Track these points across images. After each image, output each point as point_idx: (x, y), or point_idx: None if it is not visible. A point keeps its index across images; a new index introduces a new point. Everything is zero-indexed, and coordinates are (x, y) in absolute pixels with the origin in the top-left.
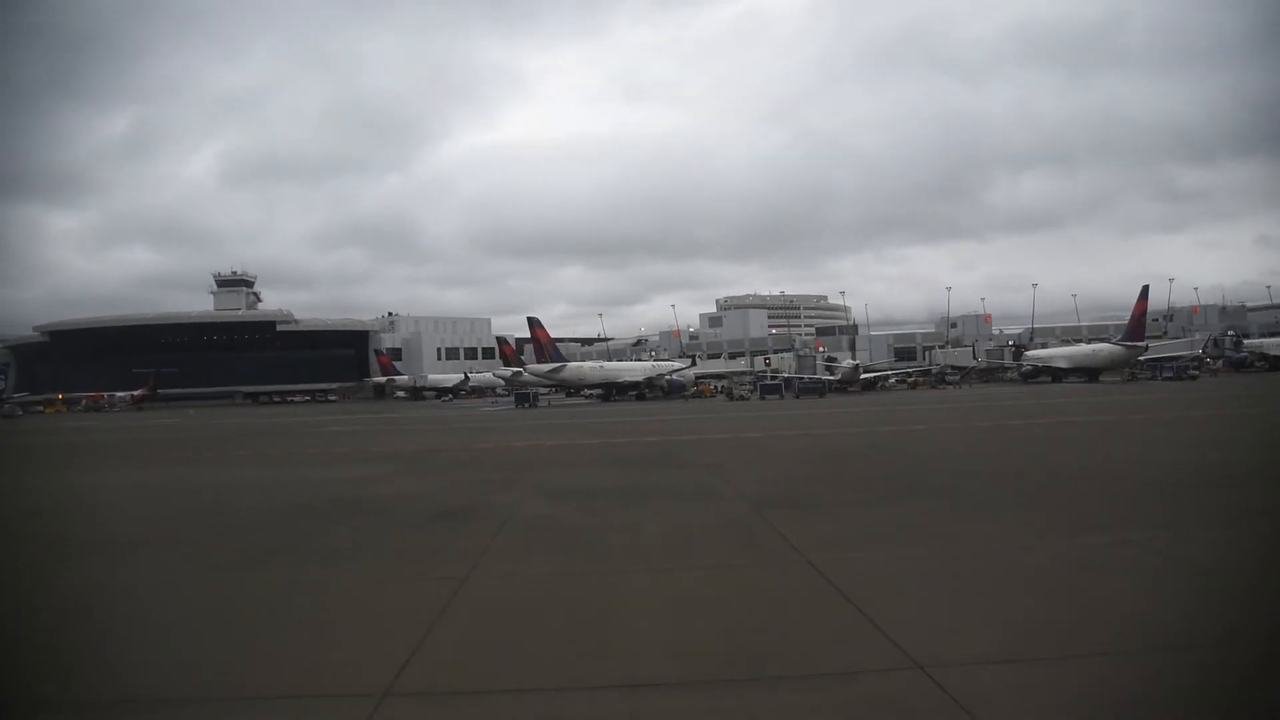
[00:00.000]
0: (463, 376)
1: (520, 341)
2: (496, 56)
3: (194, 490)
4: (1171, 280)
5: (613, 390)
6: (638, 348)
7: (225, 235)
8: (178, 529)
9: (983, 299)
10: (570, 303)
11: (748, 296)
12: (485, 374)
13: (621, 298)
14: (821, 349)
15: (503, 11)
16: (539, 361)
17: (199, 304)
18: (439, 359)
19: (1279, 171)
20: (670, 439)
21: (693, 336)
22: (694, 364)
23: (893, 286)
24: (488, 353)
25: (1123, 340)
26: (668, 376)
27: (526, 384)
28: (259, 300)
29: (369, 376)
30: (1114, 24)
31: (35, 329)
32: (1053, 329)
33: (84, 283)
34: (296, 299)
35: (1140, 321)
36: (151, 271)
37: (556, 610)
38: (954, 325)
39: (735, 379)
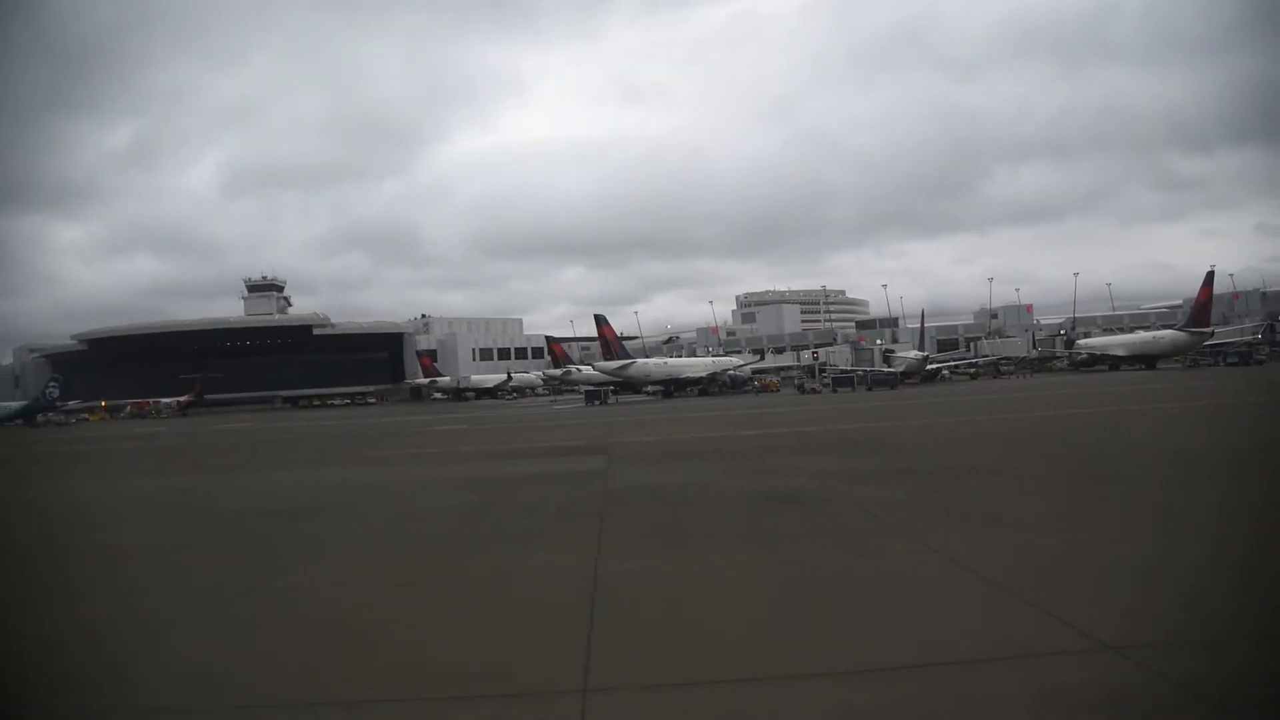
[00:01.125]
0: (505, 377)
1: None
2: (494, 60)
3: (427, 485)
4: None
5: (673, 387)
6: (669, 345)
7: (228, 243)
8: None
9: (1016, 289)
10: (572, 303)
11: (767, 293)
12: (525, 374)
13: (621, 297)
14: (863, 340)
15: (499, 16)
16: (606, 359)
17: (203, 311)
18: (473, 360)
19: (1275, 160)
20: (827, 428)
21: (730, 333)
22: (763, 358)
23: (894, 280)
24: (520, 353)
25: (1187, 326)
26: (730, 372)
27: (589, 381)
28: (289, 305)
29: (404, 378)
30: (1105, 15)
31: (73, 337)
32: (1094, 318)
33: (88, 292)
34: (299, 304)
35: (1205, 308)
36: (155, 280)
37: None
38: (994, 316)
39: (804, 372)
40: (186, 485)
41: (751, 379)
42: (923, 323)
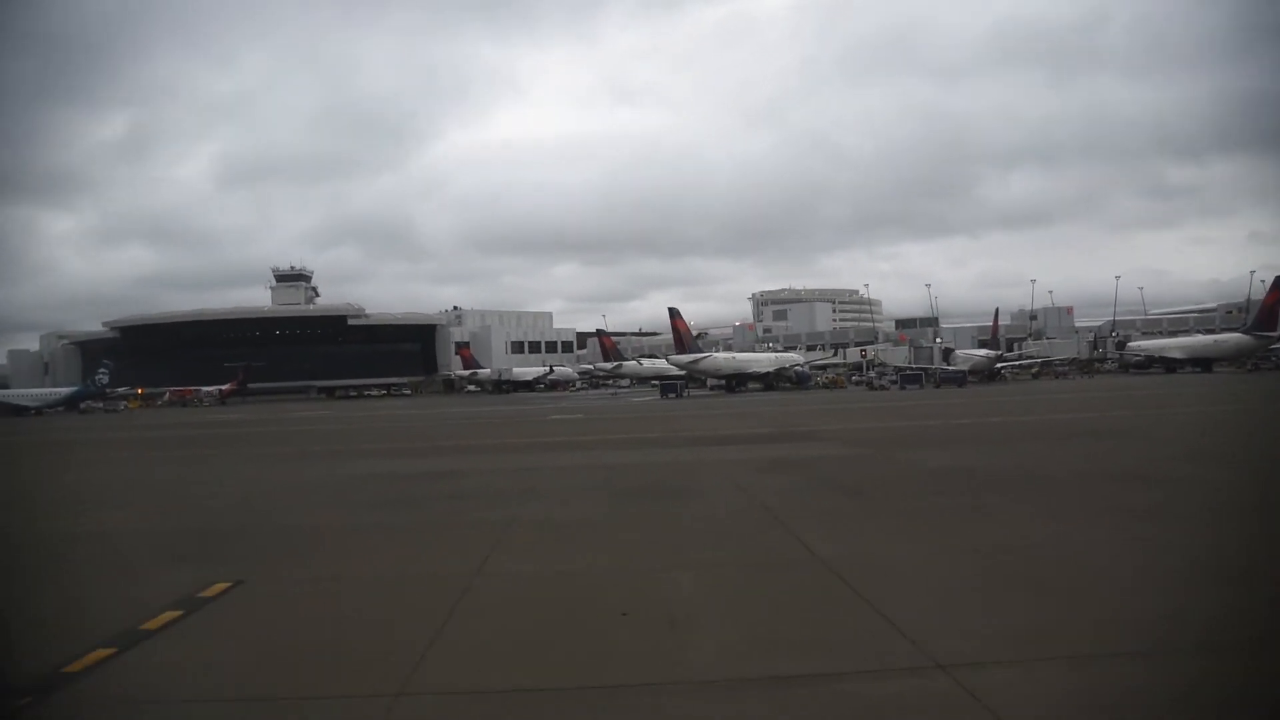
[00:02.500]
0: (546, 369)
1: (582, 335)
2: (489, 59)
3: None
4: (1252, 273)
5: (736, 381)
6: (701, 340)
7: (221, 235)
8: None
9: (1050, 291)
10: (566, 299)
11: (783, 291)
12: (562, 367)
13: (616, 294)
14: (905, 339)
15: (494, 15)
16: (679, 353)
17: (197, 301)
18: (506, 353)
19: (1266, 169)
20: (992, 421)
21: (767, 330)
22: (836, 354)
23: (887, 281)
24: (550, 346)
25: (1252, 330)
26: (796, 367)
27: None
28: (317, 295)
29: (435, 370)
30: (1093, 24)
31: (104, 324)
32: (1133, 321)
33: (80, 282)
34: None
35: (1272, 311)
36: (148, 271)
37: None
38: (1034, 318)
39: (879, 369)
40: (362, 471)
41: (815, 375)
42: (996, 320)
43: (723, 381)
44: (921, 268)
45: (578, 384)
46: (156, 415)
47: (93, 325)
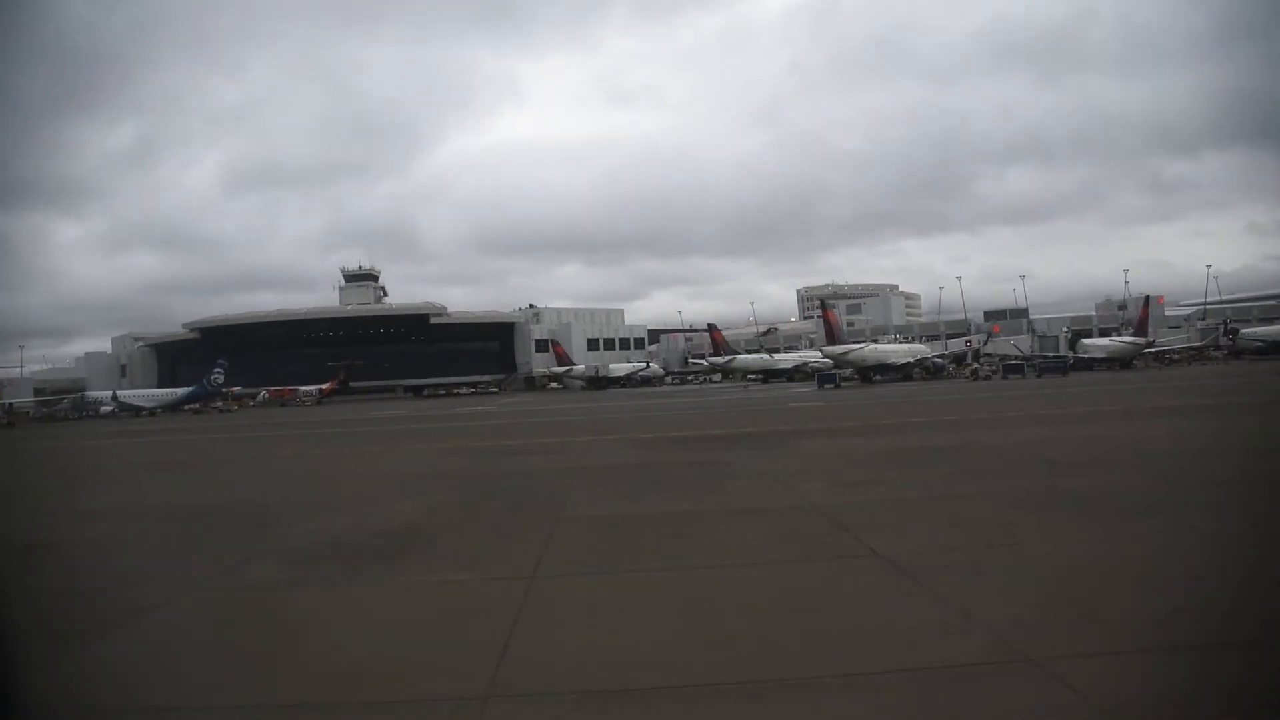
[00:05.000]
0: (642, 365)
1: (654, 332)
2: (490, 67)
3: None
4: None
5: (875, 372)
6: (767, 337)
7: (228, 240)
8: None
9: (1126, 282)
10: (569, 299)
11: (826, 286)
12: (654, 365)
13: (619, 294)
14: (998, 330)
15: (494, 23)
16: (830, 344)
17: (207, 306)
18: (585, 350)
19: (1260, 162)
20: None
21: (851, 324)
22: (970, 344)
23: (890, 278)
24: (623, 343)
25: None
26: (933, 358)
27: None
28: (385, 294)
29: (514, 368)
30: (1080, 23)
31: (184, 325)
32: (1223, 308)
33: (90, 289)
34: (299, 299)
35: None
36: (156, 277)
37: None
38: (1123, 308)
39: (985, 360)
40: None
41: (947, 366)
42: (1146, 308)
43: (858, 372)
44: (924, 264)
45: (669, 379)
46: (285, 415)
47: (106, 330)
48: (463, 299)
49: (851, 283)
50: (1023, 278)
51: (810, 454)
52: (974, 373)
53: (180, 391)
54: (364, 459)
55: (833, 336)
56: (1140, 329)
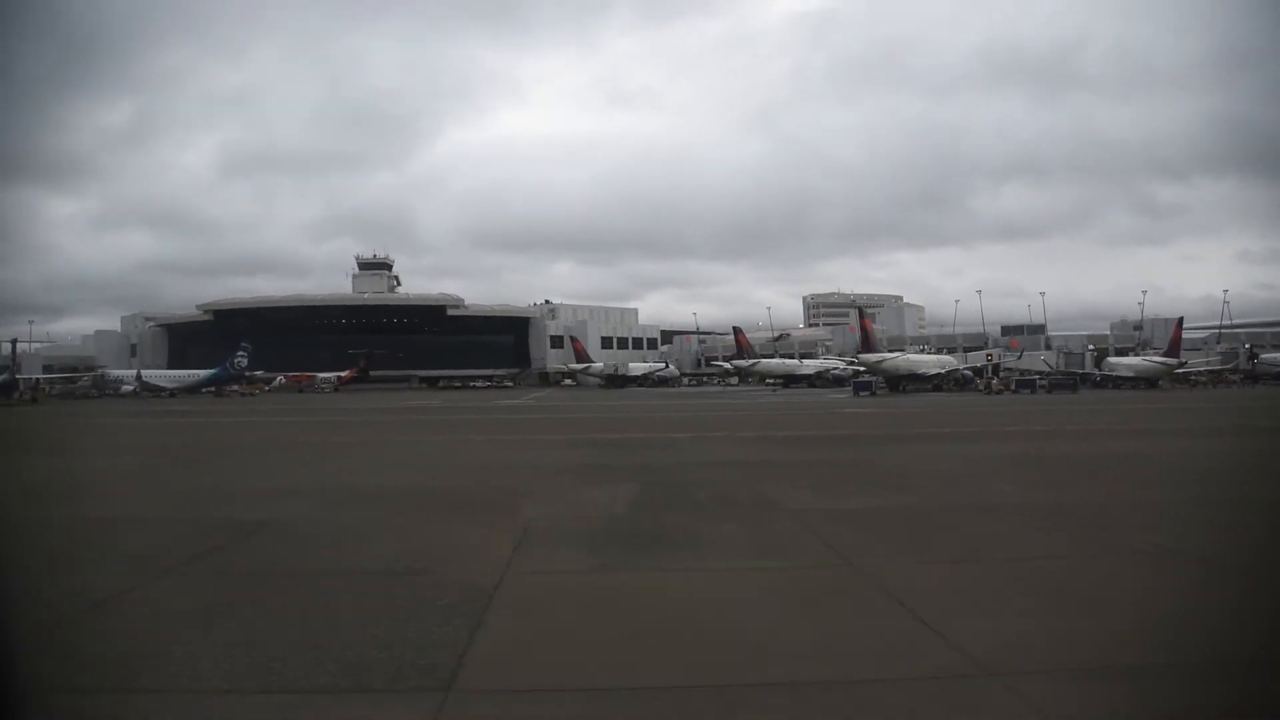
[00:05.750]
0: (661, 365)
1: (666, 333)
2: (489, 62)
3: None
4: None
5: (907, 382)
6: (780, 342)
7: (223, 223)
8: None
9: (1140, 301)
10: (563, 297)
11: (833, 294)
12: (669, 368)
13: (612, 293)
14: (1016, 344)
15: (495, 20)
16: (865, 351)
17: (202, 286)
18: (600, 348)
19: (1250, 190)
20: None
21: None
22: (990, 358)
23: (884, 289)
24: (636, 342)
25: None
26: (963, 370)
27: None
28: (399, 283)
29: (528, 363)
30: (1077, 46)
31: (198, 307)
32: (1235, 332)
33: (82, 265)
34: (292, 285)
35: None
36: (150, 256)
37: None
38: (1138, 328)
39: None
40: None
41: (975, 378)
42: (1179, 329)
43: (880, 380)
44: (918, 276)
45: (686, 380)
46: (319, 401)
47: (95, 308)
48: (457, 292)
49: (854, 292)
50: (1042, 294)
51: (950, 456)
52: (988, 386)
53: (203, 373)
54: (488, 448)
55: (868, 344)
56: (1172, 350)
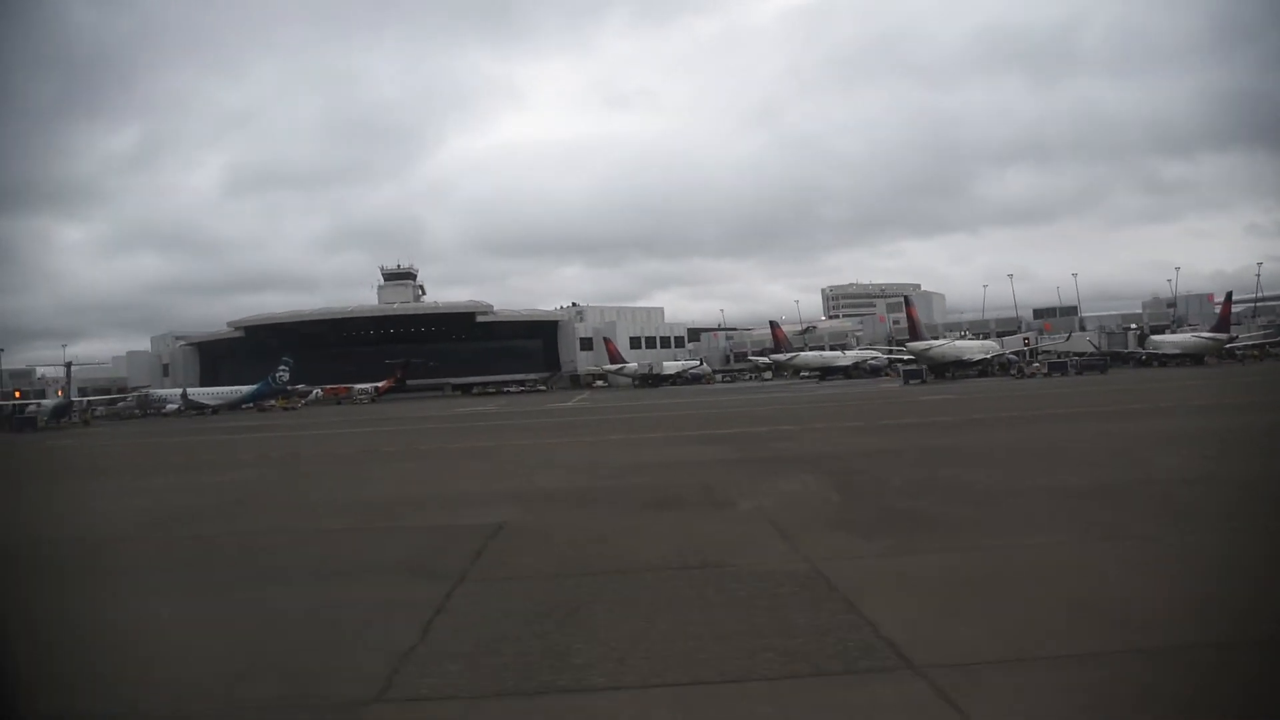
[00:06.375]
0: (695, 363)
1: (693, 330)
2: (489, 71)
3: None
4: None
5: (954, 369)
6: (807, 334)
7: (231, 242)
8: None
9: (1169, 280)
10: (571, 299)
11: (851, 285)
12: (703, 365)
13: (621, 294)
14: (1049, 328)
15: (494, 27)
16: (914, 340)
17: (208, 305)
18: (629, 348)
19: (1256, 164)
20: None
21: (897, 323)
22: (1028, 341)
23: (892, 277)
24: (664, 342)
25: None
26: (1007, 354)
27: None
28: (424, 293)
29: (558, 366)
30: (1074, 26)
31: (228, 324)
32: (1275, 307)
33: (92, 289)
34: (302, 300)
35: None
36: (159, 278)
37: None
38: (1172, 305)
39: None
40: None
41: (1019, 362)
42: (1229, 304)
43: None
44: (926, 265)
45: (719, 377)
46: (368, 412)
47: (107, 332)
48: (467, 299)
49: (871, 282)
50: (1075, 275)
51: (1094, 434)
52: (1020, 370)
53: (246, 389)
54: (614, 448)
55: (916, 332)
56: (1222, 325)
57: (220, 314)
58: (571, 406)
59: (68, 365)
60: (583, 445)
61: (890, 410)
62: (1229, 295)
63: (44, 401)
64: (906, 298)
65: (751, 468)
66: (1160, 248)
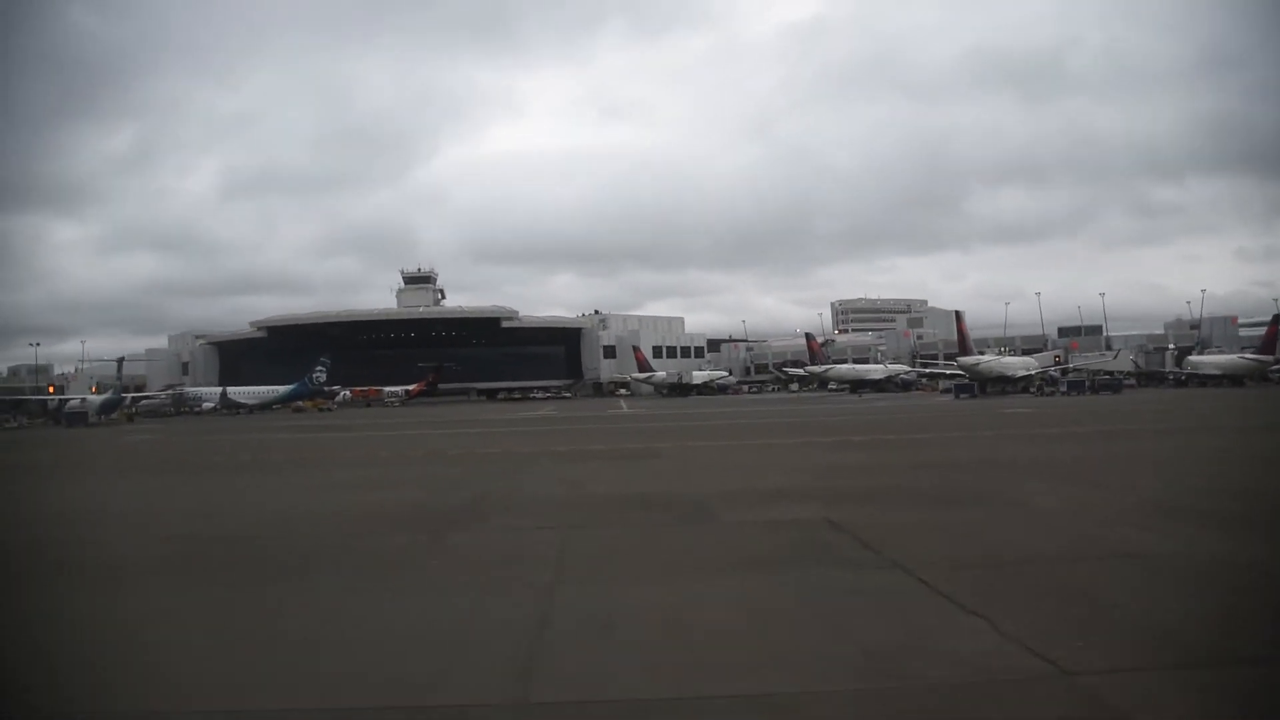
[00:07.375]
0: (723, 373)
1: (713, 341)
2: (484, 82)
3: None
4: None
5: (1003, 384)
6: (826, 348)
7: (225, 245)
8: None
9: (1189, 301)
10: (564, 308)
11: (859, 300)
12: (729, 376)
13: (614, 304)
14: (1076, 346)
15: (489, 38)
16: (963, 354)
17: (204, 308)
18: (651, 358)
19: (1244, 189)
20: None
21: (919, 336)
22: (1058, 359)
23: (884, 292)
24: (684, 351)
25: None
26: (1048, 371)
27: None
28: (443, 297)
29: (580, 373)
30: (1065, 49)
31: (251, 324)
32: None
33: (86, 289)
34: (296, 303)
35: None
36: (154, 279)
37: None
38: (1195, 327)
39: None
40: None
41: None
42: (1275, 326)
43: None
44: (918, 281)
45: (746, 388)
46: (416, 415)
47: (101, 330)
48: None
49: (870, 297)
50: (1102, 295)
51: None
52: (1040, 389)
53: (282, 389)
54: (786, 452)
55: (965, 347)
56: (1267, 346)
57: (215, 315)
58: (643, 413)
59: (119, 361)
60: (756, 449)
61: (1000, 421)
62: (1276, 317)
63: (89, 397)
64: (957, 313)
65: (947, 471)
66: (1152, 269)
